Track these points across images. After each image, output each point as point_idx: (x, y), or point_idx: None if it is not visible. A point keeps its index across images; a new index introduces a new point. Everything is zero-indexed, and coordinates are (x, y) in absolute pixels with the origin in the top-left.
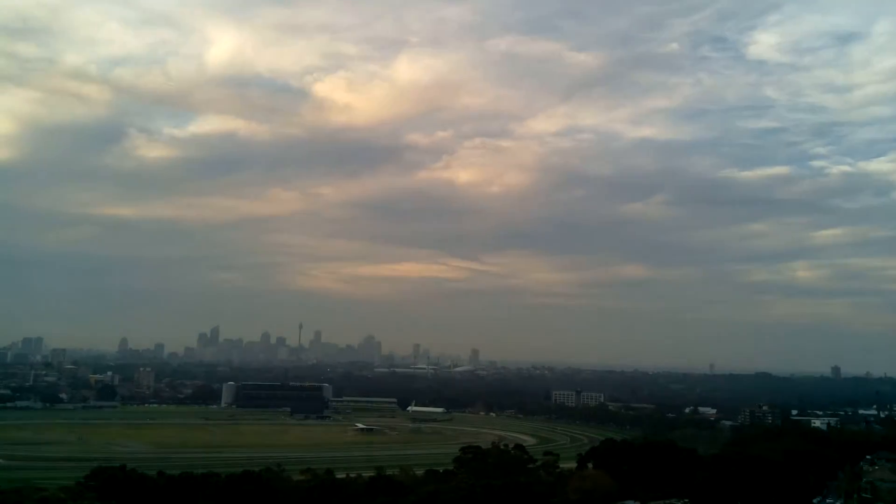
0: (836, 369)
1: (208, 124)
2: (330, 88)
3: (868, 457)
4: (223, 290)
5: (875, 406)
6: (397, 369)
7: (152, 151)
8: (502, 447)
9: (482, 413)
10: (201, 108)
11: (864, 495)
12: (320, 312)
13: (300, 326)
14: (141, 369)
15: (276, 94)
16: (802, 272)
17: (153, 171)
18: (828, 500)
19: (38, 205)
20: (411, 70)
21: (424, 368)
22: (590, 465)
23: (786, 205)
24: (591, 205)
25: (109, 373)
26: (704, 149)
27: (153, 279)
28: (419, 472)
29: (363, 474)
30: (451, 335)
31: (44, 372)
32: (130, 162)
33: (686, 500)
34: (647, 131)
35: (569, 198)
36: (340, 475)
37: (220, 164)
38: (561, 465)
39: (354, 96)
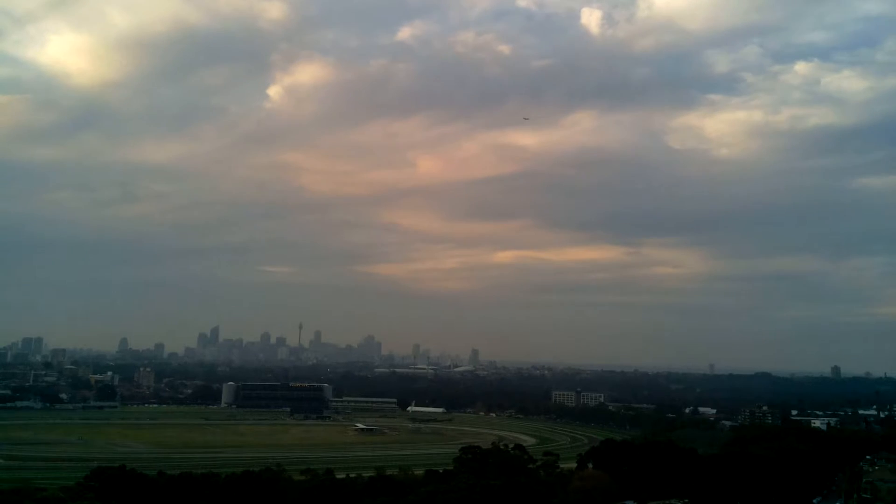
0: (836, 369)
1: (417, 35)
2: None
3: (868, 457)
4: (272, 287)
5: (875, 406)
6: (397, 369)
7: (302, 75)
8: (502, 447)
9: (482, 413)
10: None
11: (864, 495)
12: (323, 312)
13: (300, 326)
14: (141, 369)
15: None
16: None
17: (276, 118)
18: (828, 501)
19: (98, 167)
20: None
21: (424, 368)
22: (590, 466)
23: None
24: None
25: (109, 373)
26: None
27: (169, 275)
28: (419, 472)
29: (363, 474)
30: (451, 335)
31: (44, 372)
32: (254, 105)
33: (686, 500)
34: None
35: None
36: (340, 475)
37: (390, 102)
38: (561, 466)
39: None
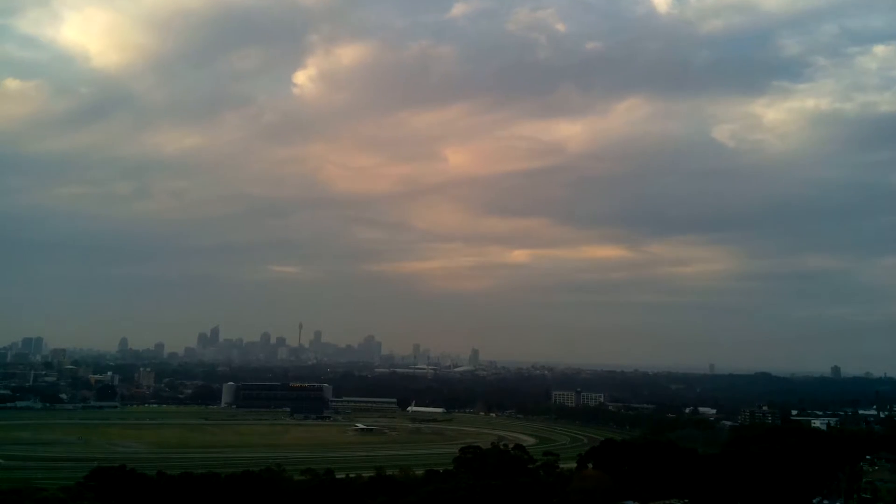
0: (836, 369)
1: (469, 13)
2: None
3: (868, 457)
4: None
5: (875, 406)
6: (397, 369)
7: (339, 59)
8: (502, 447)
9: (482, 413)
10: None
11: (864, 495)
12: (323, 312)
13: (300, 326)
14: (141, 369)
15: None
16: None
17: (304, 107)
18: (828, 501)
19: (110, 160)
20: None
21: (424, 368)
22: (590, 466)
23: None
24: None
25: (109, 373)
26: None
27: (170, 274)
28: (419, 472)
29: (363, 474)
30: (451, 335)
31: (44, 372)
32: (283, 93)
33: (686, 500)
34: None
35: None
36: (340, 475)
37: (428, 89)
38: (561, 466)
39: None
